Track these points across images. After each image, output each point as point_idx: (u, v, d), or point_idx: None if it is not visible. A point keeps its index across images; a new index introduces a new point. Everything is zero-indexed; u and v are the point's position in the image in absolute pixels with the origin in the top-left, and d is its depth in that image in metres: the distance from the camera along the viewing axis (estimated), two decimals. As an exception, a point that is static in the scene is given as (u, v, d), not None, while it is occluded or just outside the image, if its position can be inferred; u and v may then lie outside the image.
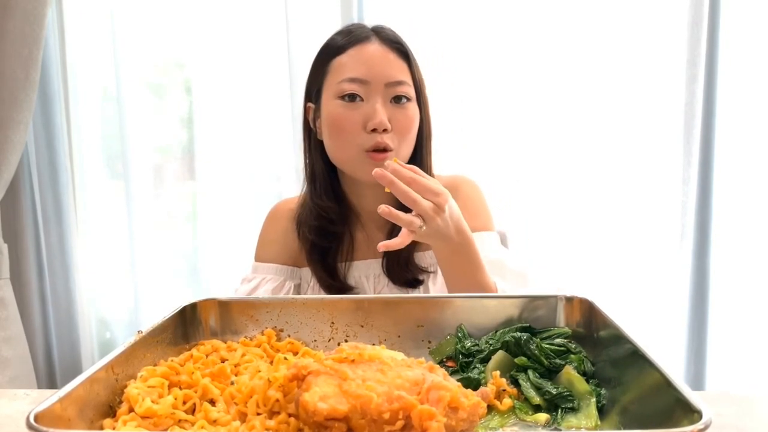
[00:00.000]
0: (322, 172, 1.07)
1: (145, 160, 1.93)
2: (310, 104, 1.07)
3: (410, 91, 1.01)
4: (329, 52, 1.02)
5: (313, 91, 1.06)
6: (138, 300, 1.95)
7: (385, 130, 0.98)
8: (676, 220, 1.71)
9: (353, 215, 1.11)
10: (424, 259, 1.08)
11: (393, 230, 1.07)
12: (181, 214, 2.01)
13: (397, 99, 1.00)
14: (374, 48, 1.00)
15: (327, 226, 1.08)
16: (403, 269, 1.06)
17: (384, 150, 0.99)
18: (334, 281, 1.08)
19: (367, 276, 1.10)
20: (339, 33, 1.04)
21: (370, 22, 1.09)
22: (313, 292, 1.10)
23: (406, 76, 1.01)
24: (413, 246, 1.05)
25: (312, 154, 1.09)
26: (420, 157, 1.06)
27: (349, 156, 1.01)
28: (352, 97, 0.98)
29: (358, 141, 0.99)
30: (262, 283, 1.10)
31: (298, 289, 1.13)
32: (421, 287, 1.07)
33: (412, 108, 1.01)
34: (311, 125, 1.08)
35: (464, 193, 1.11)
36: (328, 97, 1.01)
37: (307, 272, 1.12)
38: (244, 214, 1.88)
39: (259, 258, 1.17)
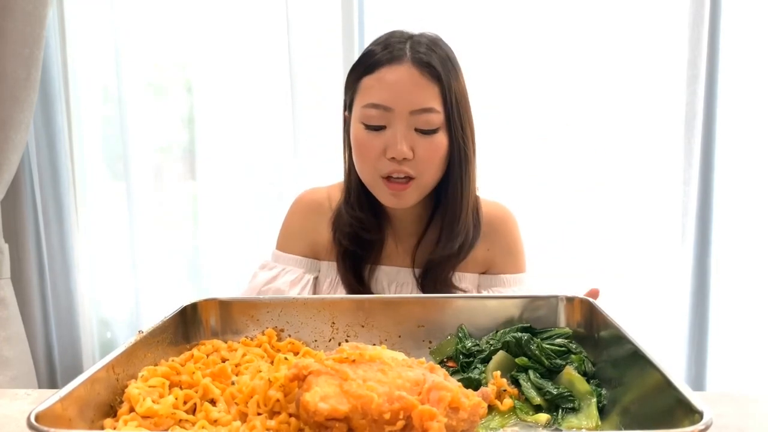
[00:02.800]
0: (356, 180, 1.06)
1: (146, 160, 1.93)
2: (346, 113, 1.07)
3: (436, 119, 0.97)
4: (361, 68, 1.00)
5: (347, 103, 1.05)
6: (139, 300, 1.94)
7: (405, 159, 0.97)
8: (676, 221, 1.70)
9: (387, 221, 1.11)
10: (461, 280, 1.08)
11: (424, 237, 1.07)
12: (181, 214, 2.00)
13: (422, 129, 0.97)
14: (403, 71, 0.96)
15: (361, 233, 1.07)
16: (439, 289, 1.05)
17: (406, 178, 0.98)
18: (361, 287, 1.08)
19: (390, 284, 1.09)
20: (378, 43, 1.01)
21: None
22: (332, 288, 1.10)
23: (435, 102, 0.96)
24: (447, 266, 1.05)
25: (348, 162, 1.08)
26: (451, 182, 1.03)
27: (367, 179, 1.02)
28: (374, 127, 0.97)
29: (377, 166, 0.98)
30: (281, 274, 1.10)
31: (316, 281, 1.12)
32: None
33: (439, 137, 0.98)
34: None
35: (504, 233, 1.11)
36: (354, 117, 1.01)
37: (326, 265, 1.12)
38: (245, 215, 1.88)
39: (280, 247, 1.16)
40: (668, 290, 1.73)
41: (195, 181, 1.92)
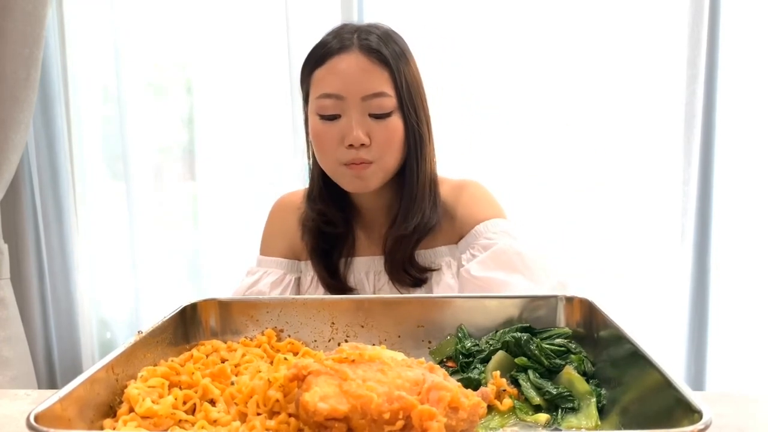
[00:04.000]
0: (319, 174, 1.08)
1: (146, 160, 1.93)
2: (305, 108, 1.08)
3: (389, 103, 0.98)
4: (312, 61, 1.02)
5: (304, 98, 1.07)
6: (138, 300, 1.95)
7: (363, 145, 0.98)
8: (676, 220, 1.70)
9: (355, 212, 1.12)
10: (427, 257, 1.08)
11: (393, 225, 1.07)
12: (181, 215, 2.01)
13: (375, 114, 0.98)
14: (351, 59, 0.98)
15: (324, 227, 1.08)
16: (403, 271, 1.06)
17: (363, 162, 0.99)
18: (334, 280, 1.08)
19: (367, 273, 1.10)
20: (328, 34, 1.04)
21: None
22: (313, 286, 1.11)
23: (386, 87, 0.98)
24: (413, 246, 1.05)
25: (312, 157, 1.09)
26: (408, 164, 1.04)
27: (329, 169, 1.04)
28: (329, 117, 0.99)
29: (336, 155, 1.00)
30: (263, 277, 1.11)
31: (298, 282, 1.13)
32: (424, 285, 1.07)
33: (393, 120, 0.99)
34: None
35: (469, 192, 1.11)
36: (310, 109, 1.03)
37: (307, 266, 1.13)
38: (245, 215, 1.88)
39: (262, 251, 1.18)
40: (668, 290, 1.73)
41: (195, 182, 1.92)
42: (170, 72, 1.96)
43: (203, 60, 1.85)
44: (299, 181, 1.78)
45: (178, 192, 1.99)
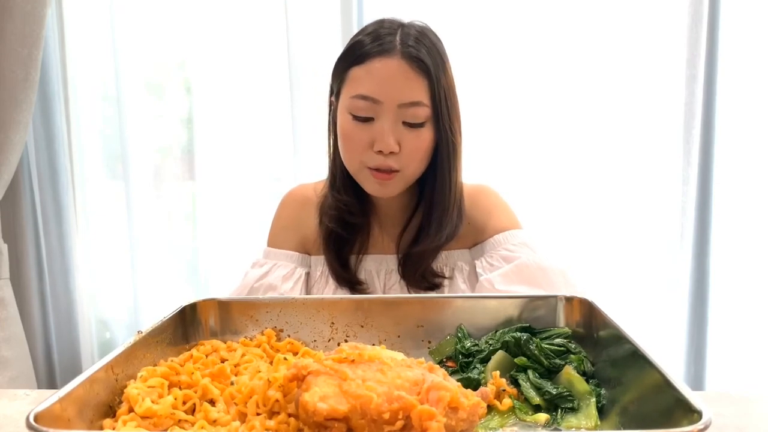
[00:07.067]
0: (342, 166, 1.07)
1: (145, 160, 1.92)
2: (332, 99, 1.07)
3: (423, 113, 0.97)
4: (351, 58, 1.00)
5: (334, 90, 1.05)
6: (138, 300, 1.94)
7: (392, 152, 0.97)
8: (675, 221, 1.71)
9: (372, 208, 1.11)
10: (439, 259, 1.08)
11: (408, 225, 1.08)
12: (180, 215, 2.00)
13: (409, 122, 0.97)
14: (393, 64, 0.96)
15: (346, 216, 1.08)
16: (421, 277, 1.05)
17: (389, 170, 0.98)
18: (345, 273, 1.08)
19: (378, 271, 1.09)
20: (368, 34, 1.01)
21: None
22: (322, 281, 1.10)
23: (423, 96, 0.97)
24: (431, 256, 1.05)
25: (334, 147, 1.08)
26: (440, 175, 1.03)
27: (353, 169, 1.03)
28: (362, 118, 0.98)
29: (363, 158, 0.99)
30: (273, 269, 1.10)
31: (308, 277, 1.12)
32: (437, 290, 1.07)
33: (425, 131, 0.98)
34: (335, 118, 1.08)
35: (485, 199, 1.11)
36: (342, 106, 1.01)
37: (317, 260, 1.12)
38: (244, 215, 1.88)
39: (271, 243, 1.17)
40: (667, 290, 1.73)
41: (194, 181, 1.92)
42: (169, 72, 1.96)
43: (202, 60, 1.85)
44: (298, 181, 1.78)
45: (177, 192, 1.99)
